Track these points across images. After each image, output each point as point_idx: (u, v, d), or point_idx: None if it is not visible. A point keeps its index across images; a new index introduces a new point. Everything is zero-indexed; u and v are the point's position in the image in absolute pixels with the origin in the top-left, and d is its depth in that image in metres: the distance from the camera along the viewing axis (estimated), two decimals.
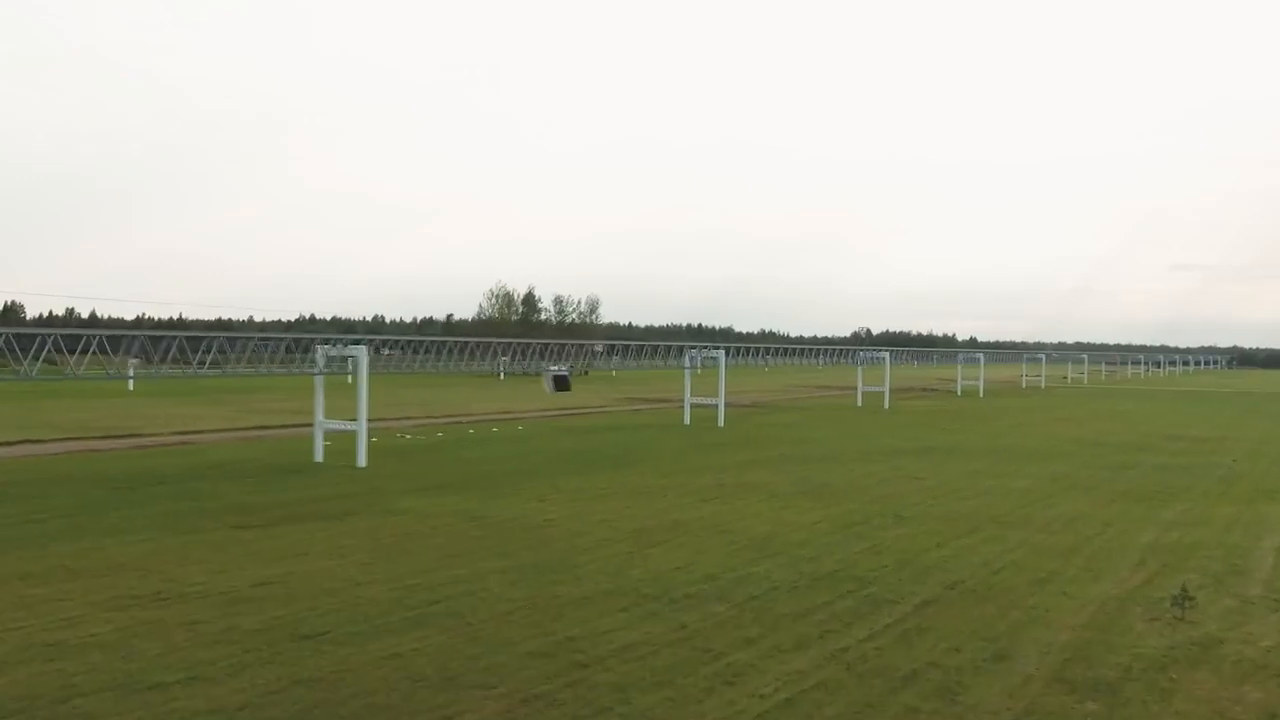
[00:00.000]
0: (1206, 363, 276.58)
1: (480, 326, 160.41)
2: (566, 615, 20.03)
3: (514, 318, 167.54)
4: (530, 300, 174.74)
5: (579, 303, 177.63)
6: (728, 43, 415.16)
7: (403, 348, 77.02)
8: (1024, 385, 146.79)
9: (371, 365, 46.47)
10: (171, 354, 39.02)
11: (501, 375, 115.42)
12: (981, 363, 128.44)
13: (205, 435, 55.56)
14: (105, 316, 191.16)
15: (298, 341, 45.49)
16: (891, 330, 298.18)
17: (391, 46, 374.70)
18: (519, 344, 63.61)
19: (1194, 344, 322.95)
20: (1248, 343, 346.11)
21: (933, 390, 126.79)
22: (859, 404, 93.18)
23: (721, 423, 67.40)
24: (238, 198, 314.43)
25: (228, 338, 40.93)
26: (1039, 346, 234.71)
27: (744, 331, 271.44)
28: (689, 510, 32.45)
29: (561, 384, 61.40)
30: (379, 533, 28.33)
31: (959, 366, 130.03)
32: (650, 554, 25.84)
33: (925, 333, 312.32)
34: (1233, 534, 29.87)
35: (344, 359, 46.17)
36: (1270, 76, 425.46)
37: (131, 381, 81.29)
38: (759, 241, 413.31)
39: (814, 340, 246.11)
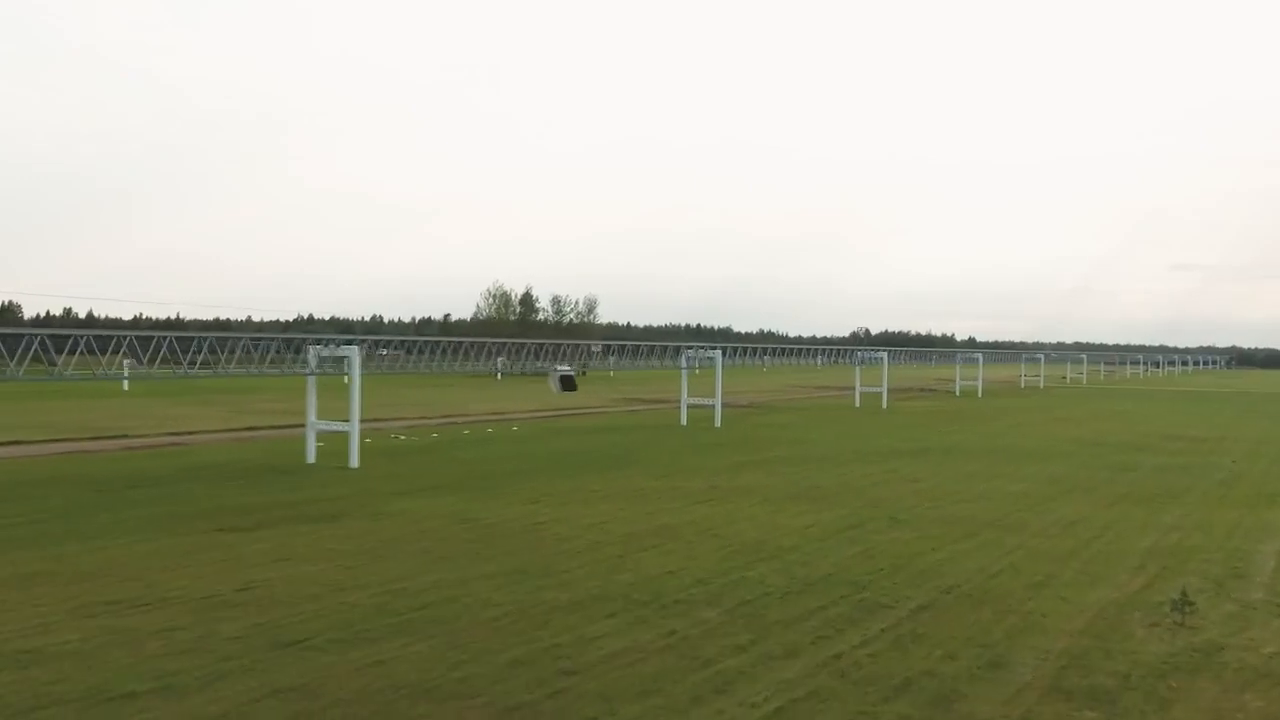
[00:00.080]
0: (1205, 363, 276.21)
1: (478, 326, 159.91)
2: (553, 621, 19.59)
3: (511, 318, 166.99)
4: (528, 300, 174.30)
5: (577, 303, 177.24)
6: (728, 43, 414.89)
7: (403, 348, 76.42)
8: (1023, 385, 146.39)
9: (365, 365, 46.05)
10: (162, 354, 38.54)
11: (499, 376, 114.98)
12: (980, 363, 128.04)
13: (197, 436, 55.09)
14: (103, 316, 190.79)
15: (289, 342, 44.90)
16: (890, 330, 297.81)
17: (391, 46, 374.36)
18: (514, 344, 63.11)
19: (1193, 344, 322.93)
20: (1247, 343, 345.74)
21: (931, 390, 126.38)
22: (857, 404, 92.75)
23: (718, 423, 66.95)
24: (238, 198, 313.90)
25: (218, 338, 40.32)
26: (1038, 346, 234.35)
27: (743, 331, 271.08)
28: (682, 513, 32.00)
29: (568, 384, 61.64)
30: (367, 536, 27.89)
31: (957, 367, 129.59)
32: (641, 558, 25.40)
33: (924, 333, 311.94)
34: (1233, 537, 29.43)
35: (337, 359, 45.67)
36: (1270, 76, 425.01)
37: (126, 382, 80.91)
38: (758, 241, 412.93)
39: (813, 340, 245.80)
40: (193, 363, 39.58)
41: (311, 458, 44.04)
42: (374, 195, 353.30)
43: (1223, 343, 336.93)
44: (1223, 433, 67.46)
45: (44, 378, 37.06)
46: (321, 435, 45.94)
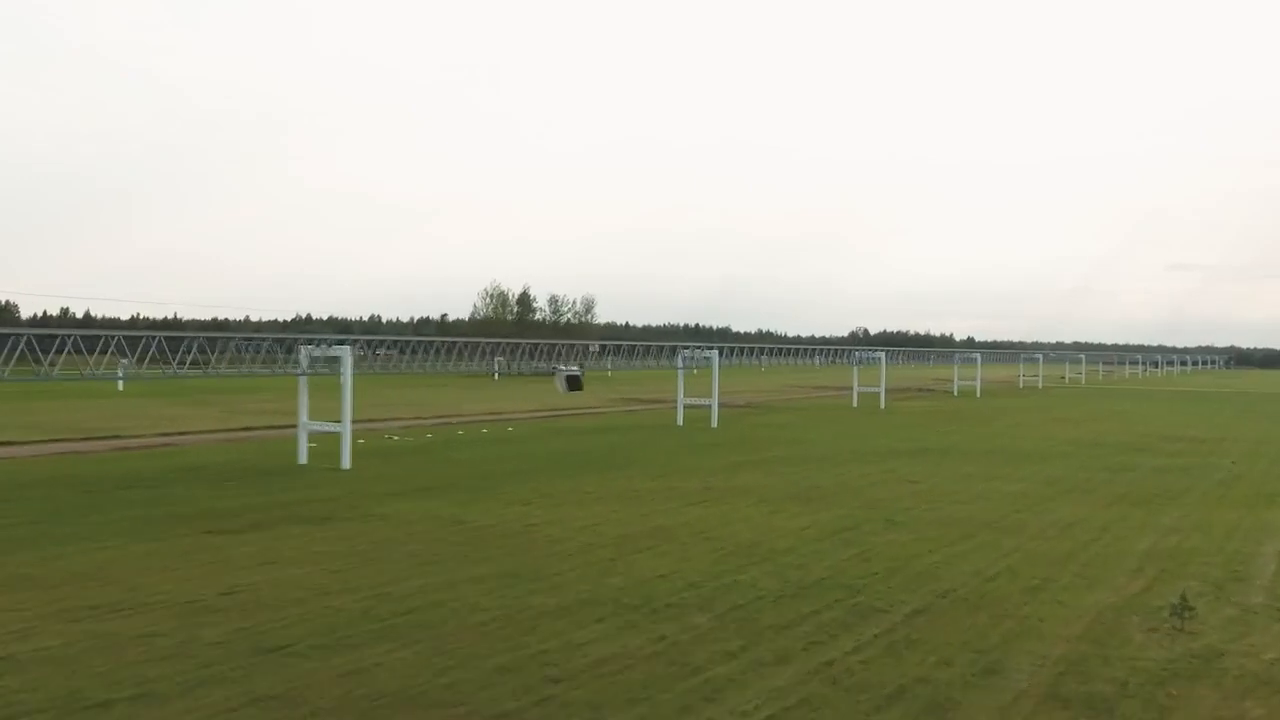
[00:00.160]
0: (1204, 363, 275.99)
1: (475, 326, 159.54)
2: (541, 627, 19.24)
3: (509, 317, 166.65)
4: (525, 300, 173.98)
5: (574, 302, 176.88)
6: (728, 43, 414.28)
7: (397, 348, 76.10)
8: (1021, 385, 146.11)
9: (361, 366, 45.72)
10: (150, 354, 38.17)
11: (496, 376, 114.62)
12: (979, 363, 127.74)
13: (189, 437, 54.74)
14: (100, 317, 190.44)
15: (281, 341, 44.54)
16: (889, 330, 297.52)
17: (391, 46, 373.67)
18: (509, 344, 62.80)
19: (1192, 344, 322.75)
20: (1245, 343, 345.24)
21: (929, 390, 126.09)
22: (854, 404, 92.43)
23: (715, 424, 66.63)
24: (237, 198, 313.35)
25: (208, 338, 39.97)
26: (1036, 346, 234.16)
27: (742, 331, 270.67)
28: (676, 515, 31.66)
29: (574, 384, 61.73)
30: (356, 538, 27.54)
31: (955, 367, 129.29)
32: (633, 560, 25.06)
33: (923, 333, 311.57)
34: (1233, 539, 29.10)
35: (329, 360, 45.29)
36: (1270, 76, 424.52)
37: (121, 382, 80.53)
38: (758, 241, 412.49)
39: (811, 340, 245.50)
40: (183, 362, 39.17)
41: (303, 459, 43.69)
42: (374, 195, 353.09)
43: (1222, 343, 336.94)
44: (1222, 433, 67.15)
45: (30, 378, 36.66)
46: (314, 436, 45.61)
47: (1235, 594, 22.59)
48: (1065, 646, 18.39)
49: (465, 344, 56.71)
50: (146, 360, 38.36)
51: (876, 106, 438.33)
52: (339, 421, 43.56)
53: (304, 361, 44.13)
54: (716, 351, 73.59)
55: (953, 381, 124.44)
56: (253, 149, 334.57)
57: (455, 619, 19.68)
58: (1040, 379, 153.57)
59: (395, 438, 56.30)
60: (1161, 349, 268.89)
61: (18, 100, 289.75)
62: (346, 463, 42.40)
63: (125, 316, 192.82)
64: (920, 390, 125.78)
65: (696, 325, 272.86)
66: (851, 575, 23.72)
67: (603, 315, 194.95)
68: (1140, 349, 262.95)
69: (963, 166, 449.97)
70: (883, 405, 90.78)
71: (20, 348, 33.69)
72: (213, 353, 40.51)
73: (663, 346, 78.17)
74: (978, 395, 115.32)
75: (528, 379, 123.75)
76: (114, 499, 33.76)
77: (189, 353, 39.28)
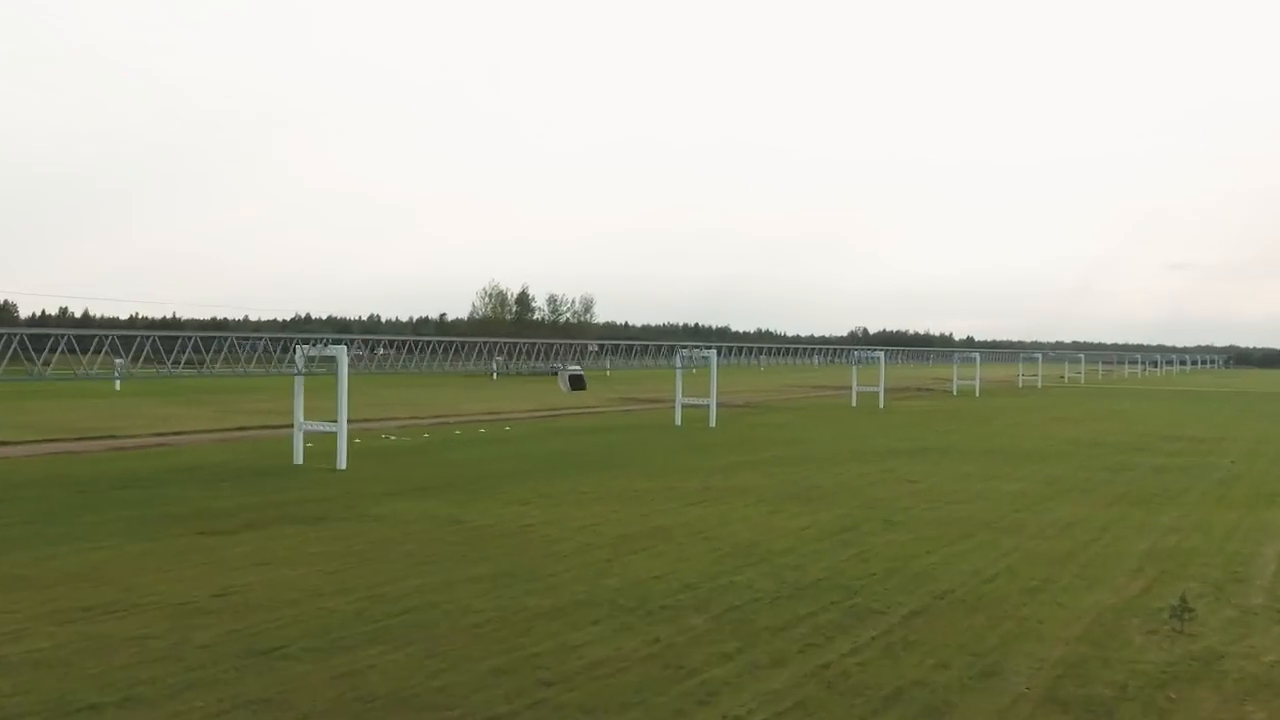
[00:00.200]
0: (1203, 362, 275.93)
1: (473, 326, 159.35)
2: (536, 628, 19.08)
3: (508, 317, 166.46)
4: (524, 299, 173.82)
5: (573, 302, 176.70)
6: (728, 42, 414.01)
7: (393, 348, 75.93)
8: (1020, 385, 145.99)
9: (356, 366, 45.54)
10: (145, 354, 38.00)
11: (494, 375, 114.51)
12: (978, 362, 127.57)
13: (185, 437, 54.58)
14: (99, 316, 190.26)
15: (276, 341, 44.36)
16: (888, 330, 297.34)
17: (391, 46, 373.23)
18: (505, 343, 62.67)
19: (1191, 343, 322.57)
20: (1245, 342, 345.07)
21: (929, 390, 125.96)
22: (853, 404, 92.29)
23: (713, 423, 66.48)
24: (237, 198, 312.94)
25: (202, 337, 39.76)
26: (1036, 346, 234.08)
27: (741, 331, 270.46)
28: (673, 515, 31.50)
29: (578, 383, 62.00)
30: (350, 539, 27.37)
31: (955, 366, 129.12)
32: (630, 561, 24.90)
33: (922, 332, 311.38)
34: (1233, 540, 28.95)
35: (325, 359, 45.11)
36: (1270, 76, 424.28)
37: (118, 382, 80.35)
38: (758, 241, 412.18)
39: (810, 340, 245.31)
40: (177, 362, 39.00)
41: (299, 459, 43.53)
42: (373, 195, 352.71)
43: (1221, 342, 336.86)
44: (1221, 433, 67.03)
45: (23, 378, 36.47)
46: (311, 436, 45.46)
47: (1235, 595, 22.44)
48: (1064, 648, 18.23)
49: (463, 344, 56.55)
50: (140, 360, 38.18)
51: (876, 106, 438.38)
52: (335, 421, 43.40)
53: (299, 361, 43.96)
54: (715, 351, 73.44)
55: (952, 381, 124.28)
56: (253, 149, 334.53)
57: (450, 620, 19.52)
58: (1039, 378, 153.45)
59: (392, 438, 56.15)
60: (1161, 348, 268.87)
61: (18, 100, 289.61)
62: (342, 463, 42.25)
63: (124, 316, 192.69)
64: (919, 390, 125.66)
65: (696, 325, 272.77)
66: (849, 576, 23.57)
67: (602, 315, 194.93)
68: (1139, 348, 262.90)
69: (963, 166, 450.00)
70: (882, 405, 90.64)
71: (13, 347, 33.51)
72: (207, 352, 40.25)
73: (660, 346, 78.01)
74: (977, 395, 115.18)
75: (526, 379, 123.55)
76: (108, 499, 33.60)
77: (183, 352, 39.07)
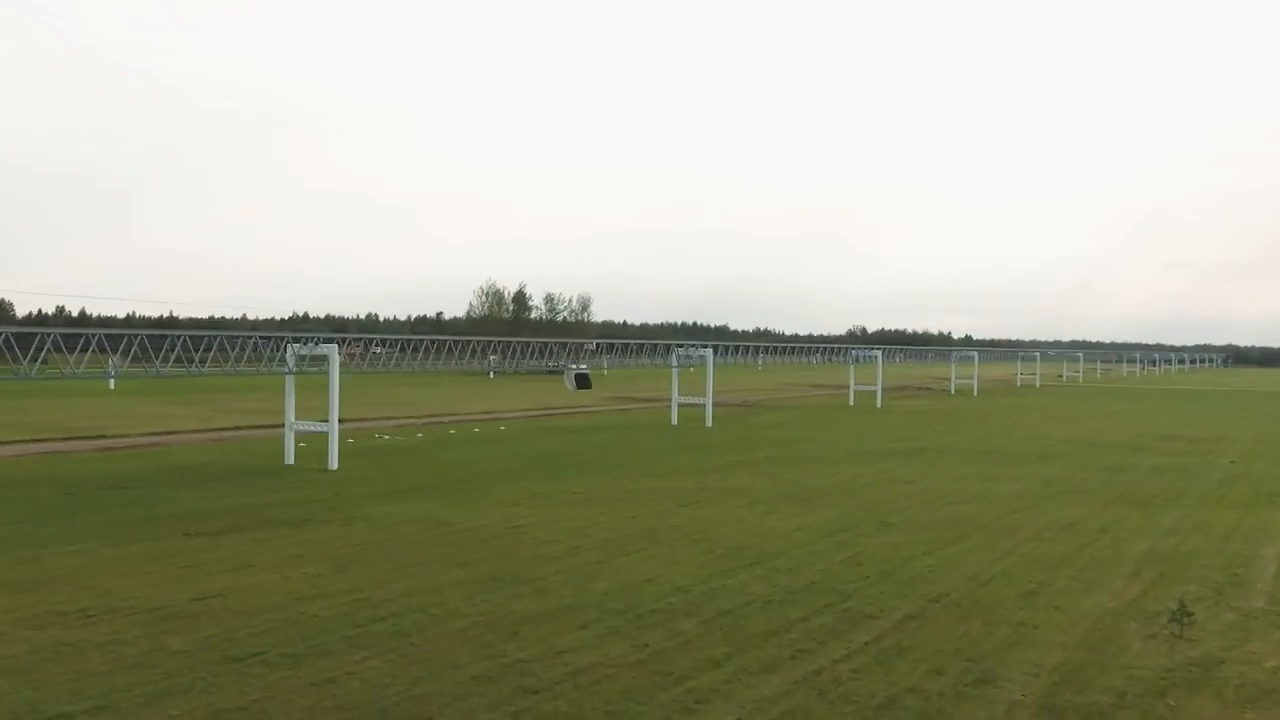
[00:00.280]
0: (1202, 361, 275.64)
1: (471, 325, 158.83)
2: (522, 633, 18.68)
3: (505, 316, 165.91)
4: (521, 298, 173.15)
5: (570, 300, 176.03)
6: (728, 42, 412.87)
7: (397, 347, 75.44)
8: (1019, 384, 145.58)
9: (357, 365, 45.10)
10: (133, 352, 37.55)
11: (491, 374, 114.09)
12: (976, 361, 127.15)
13: (177, 436, 54.13)
14: (96, 315, 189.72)
15: (266, 340, 43.90)
16: (887, 328, 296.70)
17: (391, 46, 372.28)
18: (501, 342, 62.25)
19: (1189, 342, 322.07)
20: (1243, 341, 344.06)
21: (927, 389, 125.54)
22: (851, 403, 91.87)
23: (709, 423, 66.07)
24: (237, 198, 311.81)
25: (191, 336, 39.28)
26: (1034, 345, 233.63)
27: (740, 330, 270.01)
28: (666, 516, 31.08)
29: (583, 382, 62.30)
30: (336, 541, 26.95)
31: (953, 365, 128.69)
32: (620, 564, 24.49)
33: (921, 331, 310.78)
34: (1232, 541, 28.56)
35: (317, 358, 44.65)
36: (1270, 76, 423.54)
37: (112, 381, 79.87)
38: (757, 240, 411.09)
39: (808, 339, 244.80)
40: (166, 360, 38.53)
41: (290, 459, 43.09)
42: (373, 195, 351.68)
43: (1219, 341, 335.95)
44: (1220, 432, 66.65)
45: (9, 377, 36.02)
46: (304, 436, 45.06)
47: (1235, 598, 22.05)
48: (1061, 654, 17.84)
49: (459, 342, 56.11)
50: (129, 359, 37.72)
51: (876, 106, 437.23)
52: (327, 421, 42.98)
53: (290, 360, 43.52)
54: (711, 350, 72.99)
55: (950, 380, 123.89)
56: (253, 149, 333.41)
57: (434, 625, 19.11)
58: (1038, 377, 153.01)
59: (385, 437, 55.70)
60: (1159, 347, 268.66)
61: (18, 100, 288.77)
62: (334, 463, 41.82)
63: (122, 315, 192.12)
64: (918, 389, 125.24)
65: (694, 323, 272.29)
66: (843, 579, 23.16)
67: (601, 314, 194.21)
68: (1138, 347, 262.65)
69: (963, 166, 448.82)
70: (879, 404, 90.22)
71: None
72: (197, 351, 39.79)
73: (656, 345, 77.57)
74: (975, 394, 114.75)
75: (523, 377, 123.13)
76: (95, 500, 33.17)
77: (172, 351, 38.60)
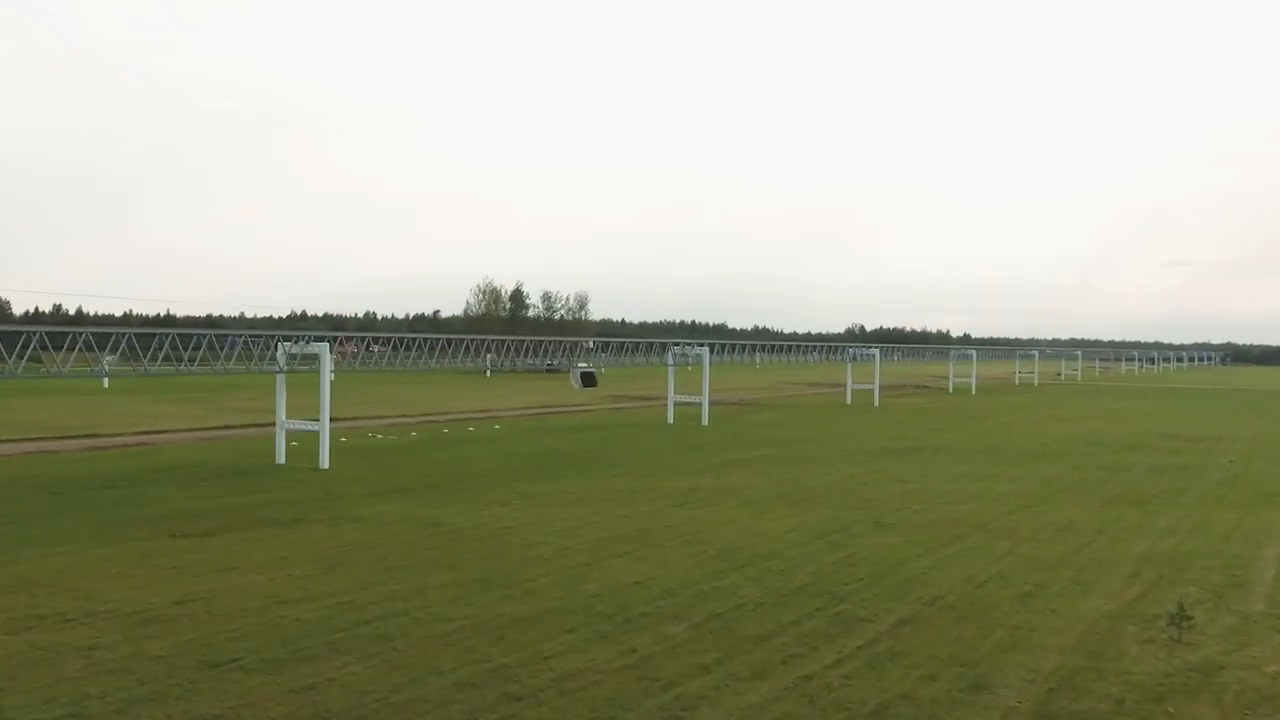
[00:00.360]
0: (1200, 359, 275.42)
1: (468, 323, 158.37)
2: (507, 637, 18.30)
3: (502, 314, 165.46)
4: (518, 296, 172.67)
5: (568, 299, 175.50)
6: (728, 42, 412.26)
7: (393, 345, 75.06)
8: (1017, 382, 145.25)
9: (353, 363, 44.68)
10: (121, 351, 37.14)
11: (488, 372, 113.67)
12: (974, 359, 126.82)
13: (168, 435, 53.71)
14: (93, 313, 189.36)
15: (257, 338, 43.50)
16: (886, 327, 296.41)
17: (391, 46, 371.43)
18: (496, 340, 61.87)
19: (1188, 340, 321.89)
20: (1242, 339, 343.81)
21: (925, 387, 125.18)
22: (848, 402, 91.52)
23: (705, 421, 65.70)
24: (237, 198, 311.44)
25: (180, 334, 38.87)
26: (1033, 343, 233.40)
27: (738, 328, 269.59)
28: (658, 517, 30.71)
29: (589, 380, 62.55)
30: (324, 542, 26.56)
31: (951, 363, 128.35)
32: (610, 566, 24.12)
33: (919, 329, 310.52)
34: (1232, 542, 28.21)
35: (307, 357, 44.23)
36: (1270, 77, 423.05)
37: (106, 380, 79.45)
38: (756, 239, 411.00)
39: (807, 337, 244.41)
40: (155, 359, 38.14)
41: (281, 458, 42.70)
42: (373, 195, 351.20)
43: (1218, 339, 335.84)
44: (1219, 431, 66.32)
45: None
46: (296, 435, 44.69)
47: (1235, 601, 21.70)
48: (1057, 659, 17.48)
49: (453, 340, 55.73)
50: (117, 357, 37.30)
51: (876, 106, 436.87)
52: (318, 420, 42.59)
53: (281, 359, 43.13)
54: (707, 348, 72.62)
55: (948, 378, 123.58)
56: (253, 149, 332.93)
57: (418, 629, 18.73)
58: (1036, 375, 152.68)
59: (378, 436, 55.31)
60: (1158, 345, 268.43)
61: (18, 100, 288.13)
62: (325, 462, 41.44)
63: (119, 313, 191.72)
64: (916, 387, 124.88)
65: (693, 322, 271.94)
66: (836, 581, 22.79)
67: (598, 312, 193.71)
68: (1137, 345, 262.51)
69: (962, 166, 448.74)
70: (877, 403, 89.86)
71: None
72: (186, 350, 39.36)
73: (652, 343, 77.20)
74: (973, 392, 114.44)
75: (520, 376, 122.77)
76: (80, 500, 32.77)
77: (160, 349, 38.21)
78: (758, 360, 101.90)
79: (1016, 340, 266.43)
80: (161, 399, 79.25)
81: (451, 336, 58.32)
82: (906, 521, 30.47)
